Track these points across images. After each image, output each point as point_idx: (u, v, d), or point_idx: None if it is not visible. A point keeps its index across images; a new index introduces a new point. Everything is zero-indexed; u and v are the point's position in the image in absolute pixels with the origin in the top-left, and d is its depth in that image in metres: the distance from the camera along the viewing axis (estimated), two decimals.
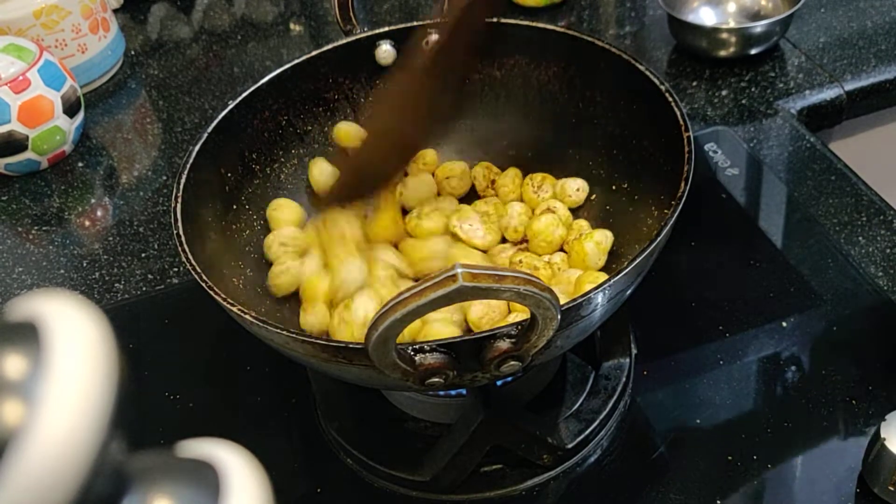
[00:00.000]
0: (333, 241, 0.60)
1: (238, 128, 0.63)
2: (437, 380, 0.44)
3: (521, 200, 0.66)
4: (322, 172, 0.67)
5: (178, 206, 0.54)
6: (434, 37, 0.58)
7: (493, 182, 0.68)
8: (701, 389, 0.61)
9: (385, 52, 0.67)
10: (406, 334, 0.53)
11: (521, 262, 0.61)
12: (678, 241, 0.63)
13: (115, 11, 1.12)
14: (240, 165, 0.63)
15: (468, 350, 0.43)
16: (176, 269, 0.77)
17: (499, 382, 0.57)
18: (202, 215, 0.58)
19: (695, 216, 0.56)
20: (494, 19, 0.64)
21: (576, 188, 0.65)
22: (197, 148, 0.58)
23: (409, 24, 0.67)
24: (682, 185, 0.51)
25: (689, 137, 0.53)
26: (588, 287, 0.49)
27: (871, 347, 0.62)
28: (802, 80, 0.87)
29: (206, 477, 0.22)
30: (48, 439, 0.17)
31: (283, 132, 0.66)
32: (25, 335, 0.19)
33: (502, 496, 0.57)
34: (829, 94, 0.85)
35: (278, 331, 0.45)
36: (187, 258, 0.50)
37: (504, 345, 0.43)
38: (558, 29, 0.64)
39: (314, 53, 0.66)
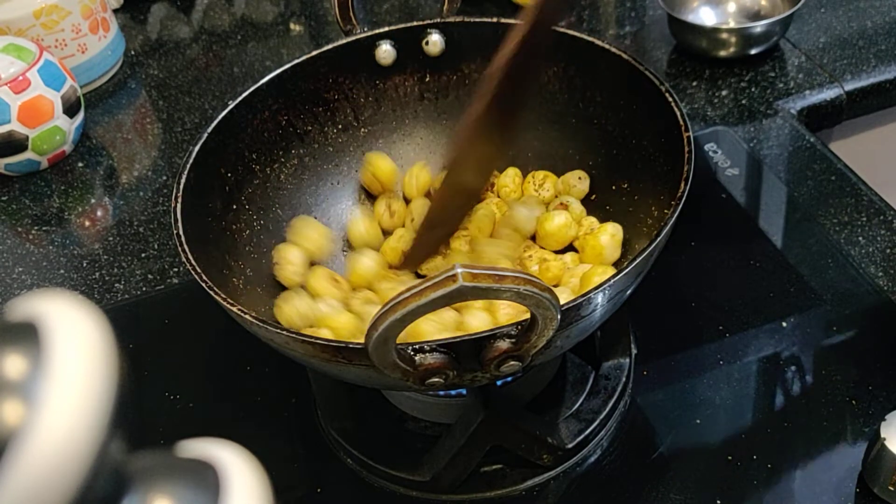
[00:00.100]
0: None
1: (238, 128, 0.63)
2: (437, 380, 0.44)
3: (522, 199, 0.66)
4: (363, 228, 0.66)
5: (178, 206, 0.54)
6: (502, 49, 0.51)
7: (492, 185, 0.68)
8: (701, 389, 0.61)
9: (385, 52, 0.67)
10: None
11: (530, 257, 0.61)
12: (678, 241, 0.63)
13: (115, 11, 1.12)
14: (240, 165, 0.63)
15: (468, 350, 0.43)
16: (176, 269, 0.77)
17: (499, 382, 0.57)
18: (202, 215, 0.58)
19: (695, 216, 0.56)
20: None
21: (578, 177, 0.65)
22: (197, 148, 0.58)
23: (409, 24, 0.67)
24: (682, 185, 0.51)
25: (689, 137, 0.53)
26: (596, 281, 0.49)
27: (871, 347, 0.62)
28: (802, 80, 0.87)
29: (206, 477, 0.22)
30: (48, 439, 0.17)
31: (283, 132, 0.66)
32: (25, 335, 0.19)
33: (502, 496, 0.57)
34: (828, 94, 0.85)
35: (278, 331, 0.45)
36: (187, 258, 0.50)
37: (504, 345, 0.43)
38: (558, 29, 0.64)
39: (314, 53, 0.66)
